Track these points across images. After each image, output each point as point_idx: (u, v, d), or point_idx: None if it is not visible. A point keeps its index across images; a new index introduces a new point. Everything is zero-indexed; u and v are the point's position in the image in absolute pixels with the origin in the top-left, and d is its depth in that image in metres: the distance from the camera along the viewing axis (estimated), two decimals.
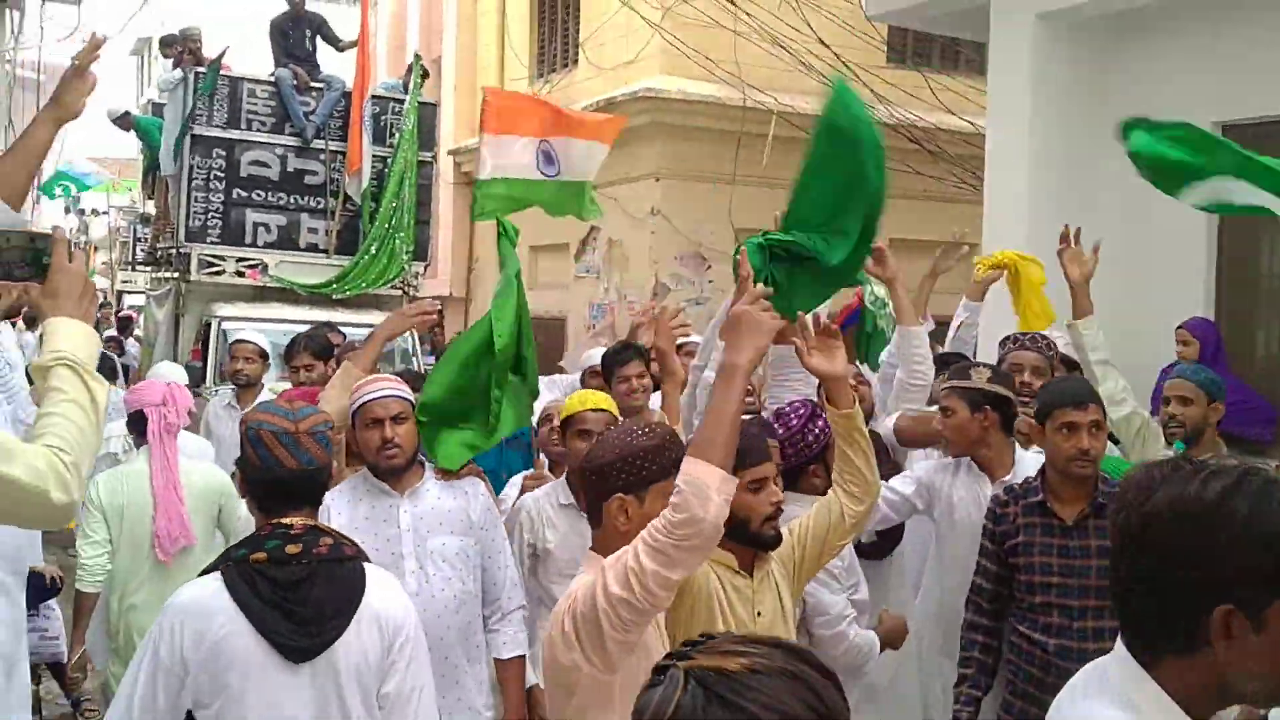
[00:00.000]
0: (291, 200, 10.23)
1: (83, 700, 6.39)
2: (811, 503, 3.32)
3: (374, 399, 3.70)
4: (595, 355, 5.83)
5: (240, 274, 10.02)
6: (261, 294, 10.03)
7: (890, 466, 4.51)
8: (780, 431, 3.67)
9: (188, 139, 9.88)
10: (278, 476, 2.68)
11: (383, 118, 10.37)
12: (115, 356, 12.41)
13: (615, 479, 2.49)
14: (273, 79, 10.25)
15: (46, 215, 33.62)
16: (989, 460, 4.13)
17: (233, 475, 4.67)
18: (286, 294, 9.95)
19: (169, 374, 7.00)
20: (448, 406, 3.96)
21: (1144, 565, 1.56)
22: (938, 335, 5.54)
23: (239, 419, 3.53)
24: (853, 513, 3.17)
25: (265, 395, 6.13)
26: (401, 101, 10.43)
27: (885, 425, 4.52)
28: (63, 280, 2.21)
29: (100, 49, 3.14)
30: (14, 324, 7.16)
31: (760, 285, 3.07)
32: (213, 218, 9.96)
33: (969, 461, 4.19)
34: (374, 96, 10.36)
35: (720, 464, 2.28)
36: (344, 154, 10.20)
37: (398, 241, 10.14)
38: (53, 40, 12.32)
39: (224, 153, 9.98)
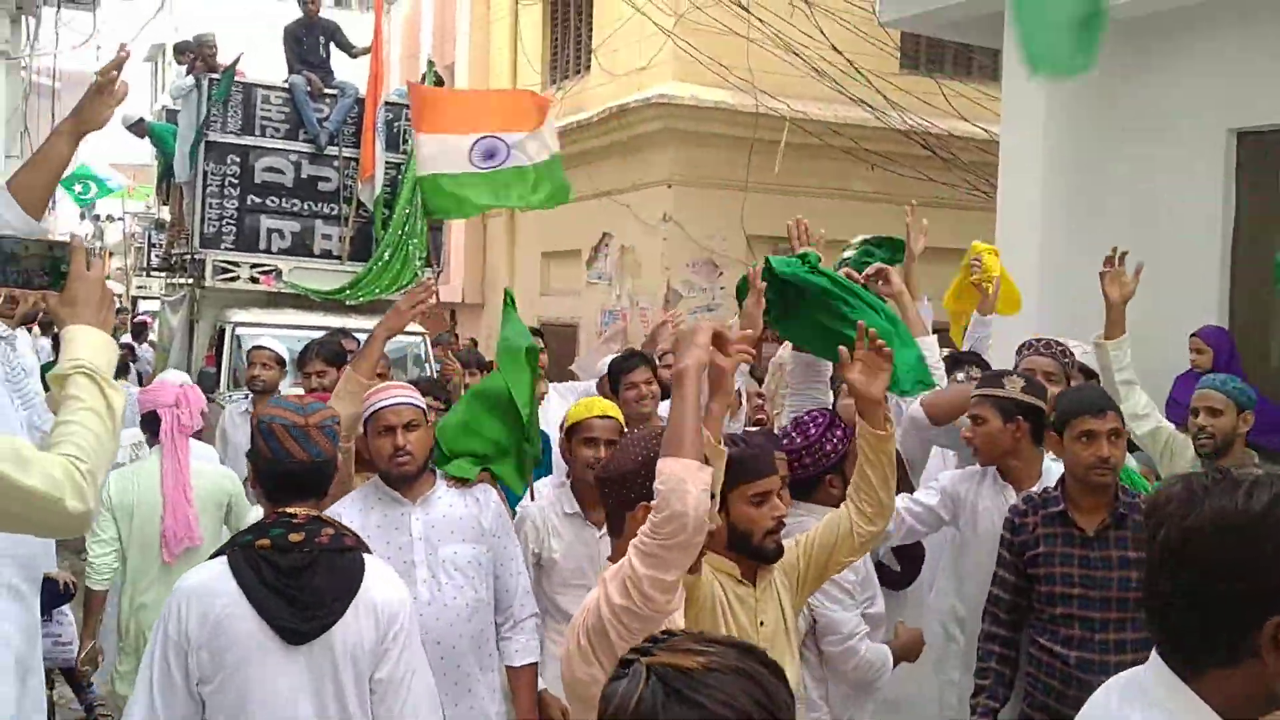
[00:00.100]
0: (305, 206, 10.25)
1: (96, 705, 6.41)
2: (825, 515, 3.30)
3: (386, 406, 3.70)
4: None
5: (254, 280, 10.04)
6: (275, 300, 10.05)
7: (904, 486, 4.48)
8: (798, 440, 3.64)
9: (202, 145, 9.91)
10: (288, 468, 2.80)
11: (396, 124, 10.38)
12: (130, 362, 12.46)
13: (639, 487, 2.49)
14: (287, 85, 10.28)
15: (62, 221, 33.78)
16: (1017, 471, 4.06)
17: (245, 480, 4.73)
18: (300, 300, 9.96)
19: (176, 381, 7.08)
20: (458, 442, 3.96)
21: (1185, 579, 1.55)
22: (942, 341, 5.52)
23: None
24: (863, 532, 3.13)
25: None
26: None
27: (914, 409, 4.45)
28: (81, 288, 2.22)
29: (124, 63, 3.15)
30: (29, 330, 7.20)
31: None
32: (227, 224, 9.99)
33: (994, 471, 4.13)
34: (387, 103, 10.38)
35: (691, 457, 2.31)
36: (357, 160, 10.22)
37: (411, 247, 10.15)
38: (68, 47, 12.38)
39: (238, 159, 10.01)
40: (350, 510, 3.67)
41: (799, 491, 3.67)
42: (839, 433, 3.65)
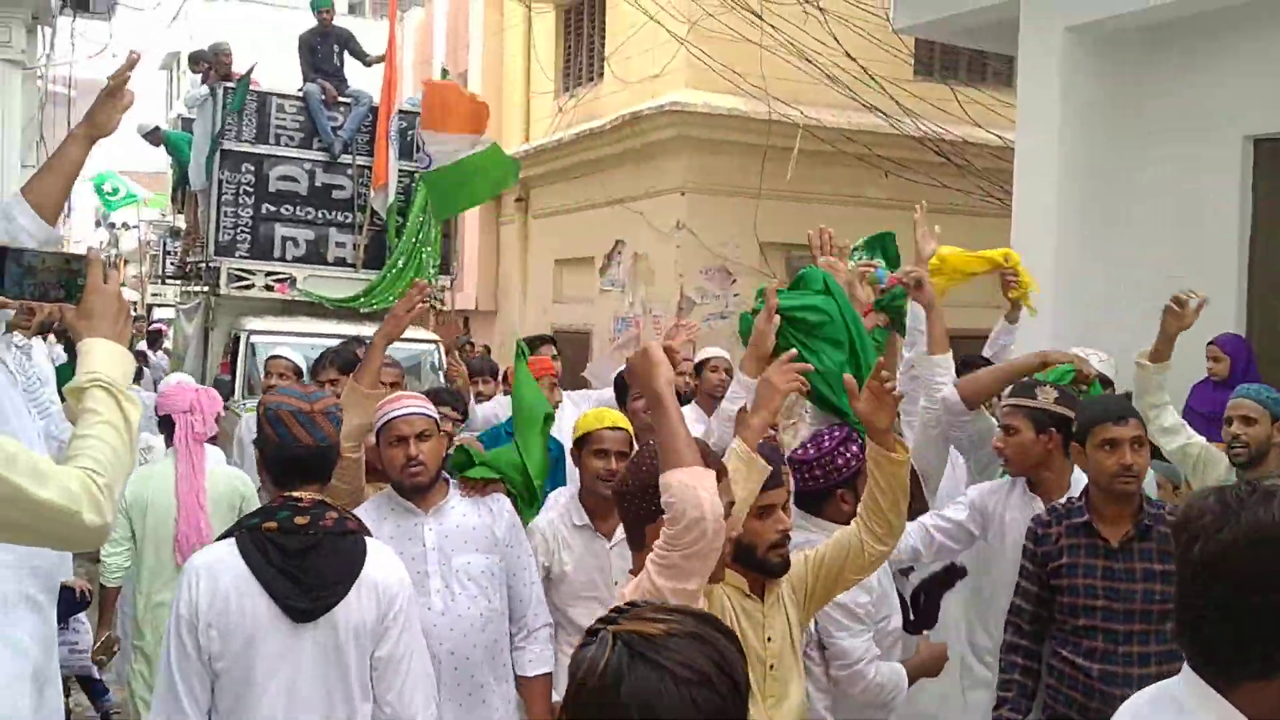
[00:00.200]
0: (319, 215, 10.29)
1: (112, 713, 6.43)
2: (833, 532, 3.26)
3: (398, 416, 3.69)
4: None
5: (269, 288, 10.08)
6: (290, 308, 10.08)
7: (921, 507, 4.43)
8: (811, 451, 3.60)
9: (217, 154, 9.95)
10: (294, 453, 2.92)
11: (409, 132, 10.41)
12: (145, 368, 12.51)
13: (655, 499, 2.47)
14: (301, 94, 10.31)
15: (76, 228, 33.98)
16: (1047, 482, 4.01)
17: (259, 489, 4.75)
18: (314, 308, 10.00)
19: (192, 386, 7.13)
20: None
21: (1219, 592, 1.55)
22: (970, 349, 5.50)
23: None
24: (873, 551, 3.10)
25: None
26: None
27: (948, 393, 4.42)
28: (98, 301, 2.22)
29: (135, 67, 3.16)
30: (43, 338, 7.22)
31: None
32: (242, 232, 10.03)
33: (1024, 483, 4.09)
34: (401, 111, 10.41)
35: (693, 463, 2.31)
36: (371, 168, 10.25)
37: (424, 255, 10.18)
38: (83, 57, 12.44)
39: (253, 168, 10.05)
40: (363, 521, 3.67)
41: (808, 505, 3.64)
42: (854, 448, 3.59)
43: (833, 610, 3.42)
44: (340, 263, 10.33)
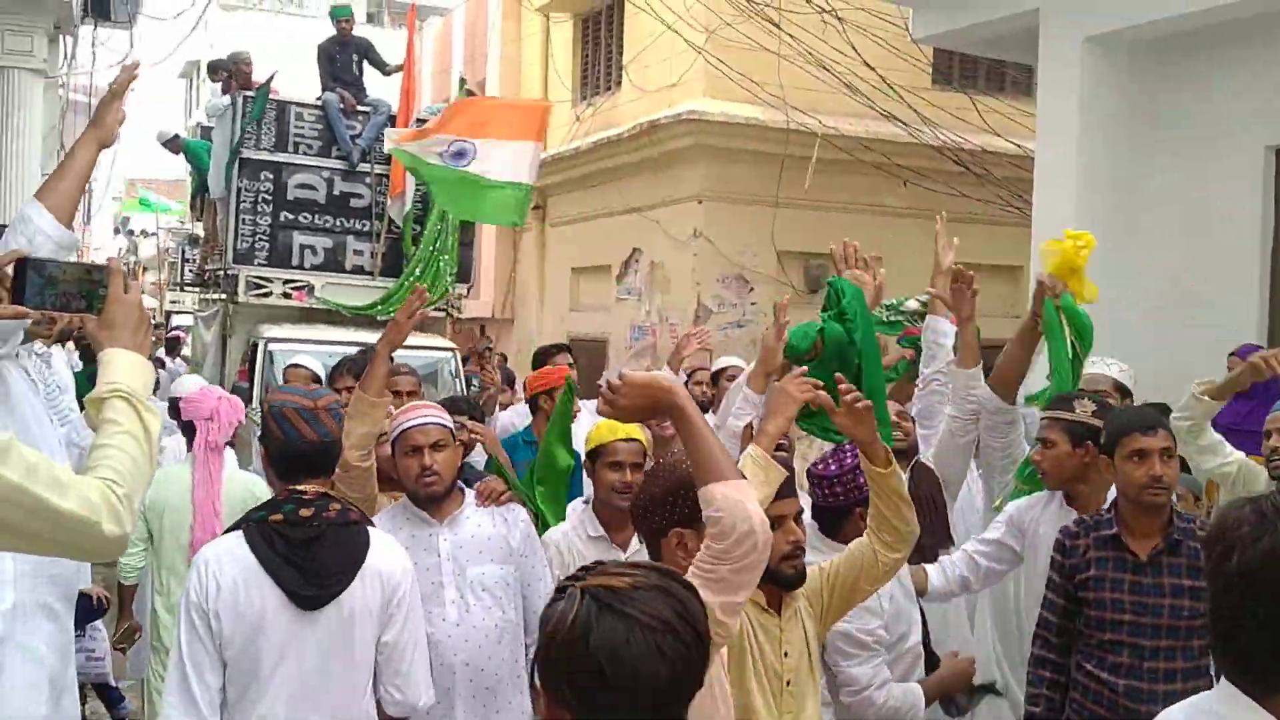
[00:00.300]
0: (338, 223, 10.31)
1: None
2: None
3: (413, 426, 3.68)
4: None
5: (287, 295, 10.10)
6: (307, 315, 10.10)
7: (941, 520, 4.41)
8: (833, 467, 3.55)
9: (236, 162, 9.99)
10: (299, 449, 3.03)
11: None
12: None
13: (670, 513, 2.46)
14: (320, 103, 10.35)
15: (96, 235, 34.19)
16: (1084, 496, 3.96)
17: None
18: (332, 315, 10.01)
19: (194, 387, 7.18)
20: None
21: (1255, 602, 1.56)
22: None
23: None
24: (886, 560, 3.09)
25: None
26: None
27: (982, 392, 4.40)
28: (118, 312, 2.23)
29: (136, 75, 3.19)
30: (63, 345, 7.24)
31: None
32: (260, 240, 10.06)
33: (1060, 496, 4.04)
34: (419, 120, 10.43)
35: (734, 475, 2.26)
36: (389, 176, 10.27)
37: (442, 263, 10.18)
38: (105, 66, 12.51)
39: (271, 176, 10.08)
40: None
41: (827, 521, 3.60)
42: None
43: (838, 639, 3.39)
44: (358, 270, 10.35)
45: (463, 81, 11.21)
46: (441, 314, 10.48)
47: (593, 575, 1.66)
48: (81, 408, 2.90)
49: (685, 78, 12.26)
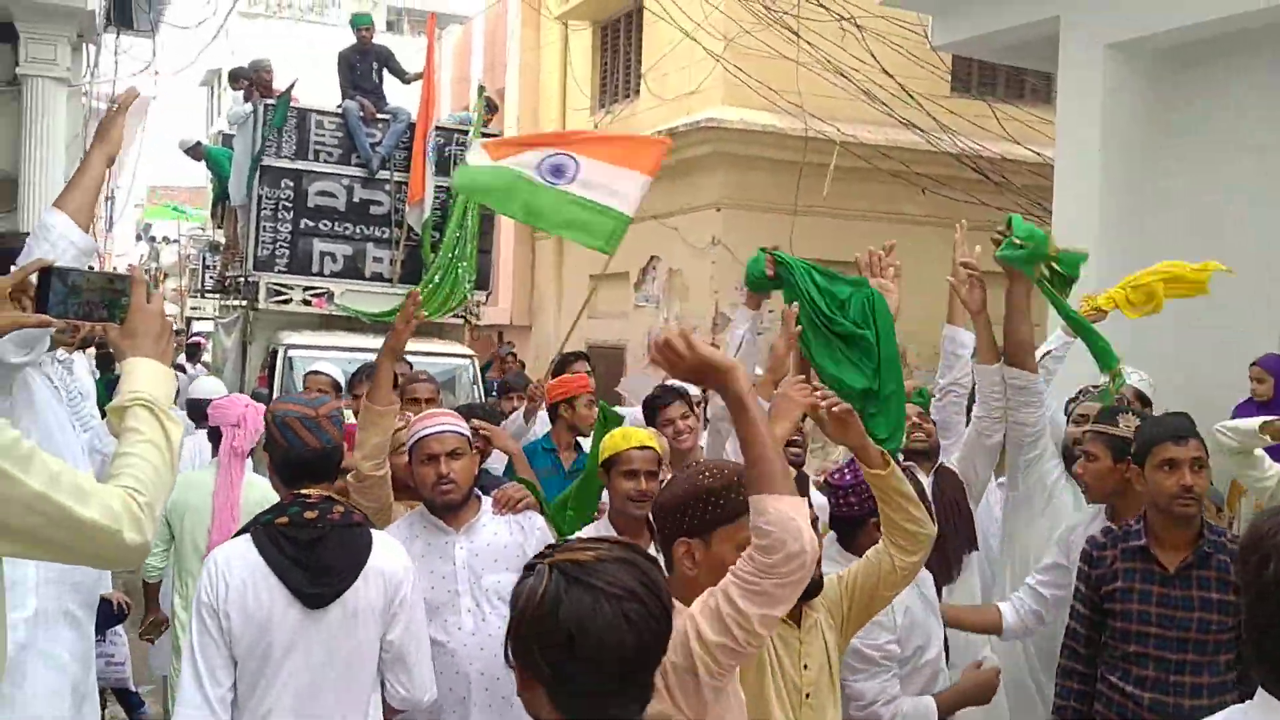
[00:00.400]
0: (357, 230, 10.35)
1: None
2: None
3: (430, 434, 3.68)
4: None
5: (307, 302, 10.13)
6: (327, 322, 10.15)
7: (966, 524, 4.39)
8: (848, 477, 3.52)
9: (257, 170, 10.04)
10: (302, 455, 3.14)
11: (447, 148, 10.47)
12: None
13: (679, 522, 2.45)
14: (340, 111, 10.40)
15: (118, 240, 34.41)
16: (1126, 510, 3.92)
17: None
18: (352, 322, 10.05)
19: (211, 389, 7.25)
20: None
21: None
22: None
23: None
24: (904, 564, 3.07)
25: None
26: (466, 133, 10.52)
27: (1005, 373, 4.42)
28: (141, 321, 2.24)
29: (138, 95, 3.28)
30: (83, 351, 7.29)
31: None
32: (280, 247, 10.11)
33: (1103, 511, 4.02)
34: (438, 128, 10.47)
35: (789, 490, 2.22)
36: (408, 184, 10.30)
37: (460, 270, 10.21)
38: (127, 74, 12.61)
39: (292, 183, 10.12)
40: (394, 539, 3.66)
41: (843, 532, 3.58)
42: None
43: (847, 655, 3.35)
44: (377, 278, 10.38)
45: (482, 89, 11.24)
46: (460, 321, 10.51)
47: (560, 551, 1.75)
48: (103, 415, 2.92)
49: (704, 85, 12.27)
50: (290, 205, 10.10)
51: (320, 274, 10.20)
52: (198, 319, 24.53)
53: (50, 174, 9.42)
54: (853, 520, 3.52)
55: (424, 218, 10.16)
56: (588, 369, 6.99)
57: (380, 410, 3.86)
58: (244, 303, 10.60)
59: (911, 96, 10.94)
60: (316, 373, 6.78)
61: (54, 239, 3.00)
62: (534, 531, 3.85)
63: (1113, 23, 7.11)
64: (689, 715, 2.23)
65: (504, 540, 3.76)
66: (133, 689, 6.45)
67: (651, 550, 3.74)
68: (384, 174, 10.37)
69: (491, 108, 11.02)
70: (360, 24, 11.27)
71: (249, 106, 10.69)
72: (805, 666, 2.89)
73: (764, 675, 2.80)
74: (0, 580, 2.04)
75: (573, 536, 4.12)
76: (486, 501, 3.86)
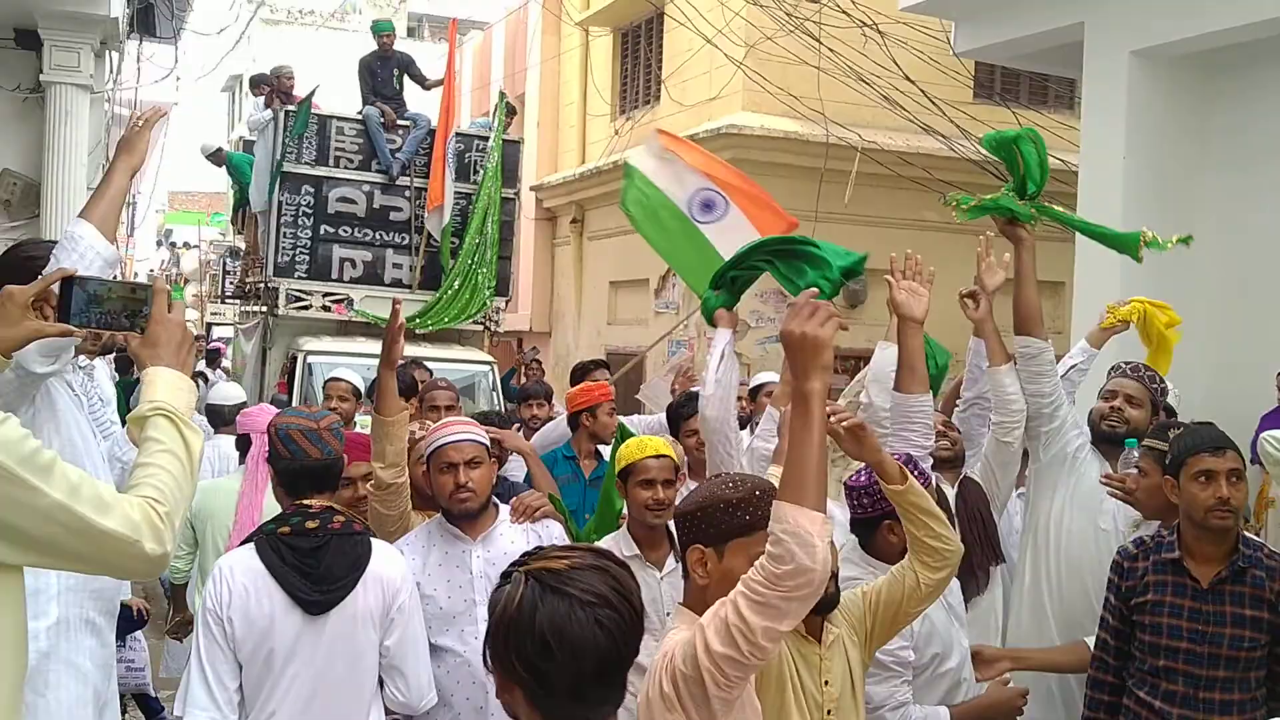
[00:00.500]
0: (377, 236, 10.37)
1: None
2: (882, 571, 3.18)
3: (448, 443, 3.67)
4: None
5: (326, 308, 10.16)
6: (346, 328, 10.16)
7: (990, 536, 4.35)
8: (863, 478, 3.45)
9: (278, 177, 10.08)
10: (304, 466, 3.25)
11: (467, 155, 10.48)
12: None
13: (695, 528, 2.43)
14: (360, 117, 10.43)
15: (140, 246, 34.62)
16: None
17: None
18: (371, 328, 10.06)
19: (231, 395, 7.29)
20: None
21: None
22: None
23: None
24: (930, 580, 3.03)
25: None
26: (486, 139, 10.54)
27: (1014, 344, 4.48)
28: (162, 330, 2.24)
29: (165, 114, 3.31)
30: (104, 358, 7.32)
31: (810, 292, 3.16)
32: (300, 253, 10.13)
33: (1158, 526, 3.94)
34: (458, 134, 10.48)
35: (816, 506, 2.14)
36: (428, 190, 10.31)
37: (480, 276, 10.22)
38: (149, 81, 12.67)
39: (312, 189, 10.15)
40: (411, 548, 3.65)
41: (860, 534, 3.53)
42: (913, 475, 3.50)
43: None
44: (397, 284, 10.39)
45: (502, 95, 11.25)
46: (479, 327, 10.51)
47: (534, 559, 1.83)
48: (123, 423, 2.92)
49: (724, 92, 12.25)
50: (310, 211, 10.14)
51: (340, 280, 10.23)
52: (218, 325, 24.65)
53: (73, 180, 9.47)
54: (865, 523, 3.48)
55: (444, 224, 10.17)
56: (607, 377, 6.98)
57: (390, 420, 3.86)
58: (264, 309, 10.63)
59: (934, 103, 10.89)
60: (336, 379, 6.79)
61: (82, 249, 3.02)
62: (552, 540, 3.81)
63: (1137, 29, 7.06)
64: None
65: (521, 548, 3.69)
66: (152, 694, 6.47)
67: (671, 560, 3.77)
68: (404, 180, 10.40)
69: (511, 112, 11.02)
70: (381, 30, 11.31)
71: (270, 113, 10.73)
72: (826, 683, 2.86)
73: (785, 691, 2.77)
74: (22, 589, 2.03)
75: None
76: (504, 510, 3.85)
